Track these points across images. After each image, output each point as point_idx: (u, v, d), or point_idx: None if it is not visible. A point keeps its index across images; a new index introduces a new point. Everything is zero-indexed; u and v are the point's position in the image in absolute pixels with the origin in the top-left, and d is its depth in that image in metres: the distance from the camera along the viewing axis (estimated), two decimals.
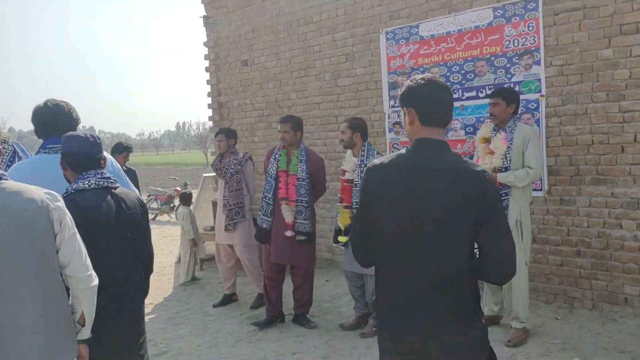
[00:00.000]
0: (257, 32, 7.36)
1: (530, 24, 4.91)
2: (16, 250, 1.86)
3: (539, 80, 4.89)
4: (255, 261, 5.58)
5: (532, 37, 4.91)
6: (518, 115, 4.45)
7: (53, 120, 2.81)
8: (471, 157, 5.19)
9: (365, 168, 4.51)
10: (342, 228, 4.58)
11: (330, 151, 6.67)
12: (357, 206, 4.34)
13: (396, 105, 5.93)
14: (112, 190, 2.48)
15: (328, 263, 6.87)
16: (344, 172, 4.63)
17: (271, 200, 4.90)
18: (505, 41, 5.08)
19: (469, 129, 5.40)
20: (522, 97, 4.94)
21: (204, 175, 8.26)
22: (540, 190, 4.95)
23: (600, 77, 4.56)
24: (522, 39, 4.98)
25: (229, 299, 5.72)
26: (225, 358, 4.37)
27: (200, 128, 78.90)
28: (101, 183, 2.45)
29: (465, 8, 5.32)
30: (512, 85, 5.03)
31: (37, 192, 1.98)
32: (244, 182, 5.49)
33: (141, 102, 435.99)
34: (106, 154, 2.70)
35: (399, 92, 2.00)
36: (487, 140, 4.39)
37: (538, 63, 4.90)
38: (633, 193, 4.46)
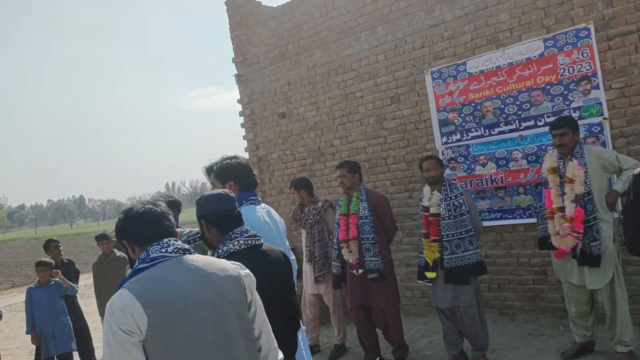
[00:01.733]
0: (293, 85, 7.49)
1: (584, 51, 5.03)
2: (231, 320, 1.85)
3: (600, 104, 4.97)
4: (339, 310, 5.51)
5: (588, 64, 5.02)
6: (582, 139, 4.49)
7: None
8: (536, 186, 5.22)
9: (452, 200, 4.52)
10: (431, 263, 4.54)
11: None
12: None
13: (449, 141, 5.98)
14: (260, 248, 2.44)
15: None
16: (426, 208, 4.63)
17: (337, 245, 4.91)
18: (560, 69, 5.19)
19: (531, 158, 5.43)
20: (584, 121, 5.03)
21: None
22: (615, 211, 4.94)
23: None
24: (577, 66, 5.09)
25: (313, 350, 5.58)
26: None
27: (194, 186, 78.94)
28: (250, 242, 2.41)
29: (514, 42, 5.45)
30: (571, 111, 5.11)
31: (225, 262, 1.96)
32: (326, 230, 5.45)
33: (130, 165, 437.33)
34: None
35: None
36: (556, 170, 4.40)
37: (597, 87, 4.99)
38: None
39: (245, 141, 8.23)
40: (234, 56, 8.20)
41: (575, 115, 5.05)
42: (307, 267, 5.51)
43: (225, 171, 3.17)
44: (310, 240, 5.40)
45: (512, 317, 5.72)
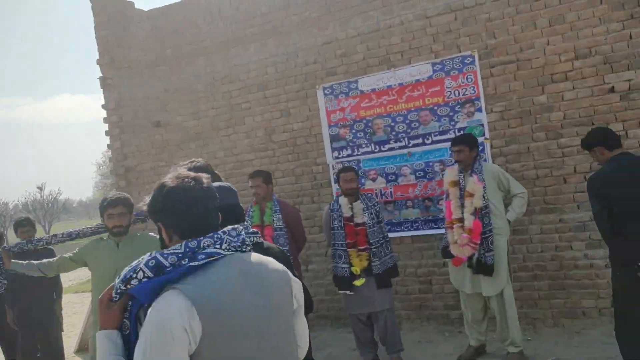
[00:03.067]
0: (171, 92, 7.08)
1: (469, 76, 5.50)
2: (282, 333, 1.66)
3: (482, 125, 5.46)
4: None
5: (472, 88, 5.49)
6: (479, 156, 4.90)
7: None
8: (430, 199, 5.55)
9: (372, 209, 4.61)
10: (359, 271, 4.58)
11: None
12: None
13: (340, 156, 6.11)
14: (262, 246, 2.23)
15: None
16: (349, 218, 4.66)
17: None
18: (447, 92, 5.60)
19: (419, 174, 5.75)
20: None
21: None
22: None
23: (538, 120, 5.25)
24: (462, 89, 5.54)
25: None
26: None
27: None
28: (254, 239, 2.20)
29: (404, 64, 5.77)
30: (456, 131, 5.53)
31: (276, 263, 1.75)
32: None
33: None
34: None
35: None
36: (456, 184, 4.74)
37: (480, 110, 5.48)
38: (579, 217, 5.13)
39: (111, 150, 7.56)
40: (99, 57, 7.52)
41: (459, 134, 5.48)
42: None
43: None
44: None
45: (399, 326, 5.95)
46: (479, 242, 4.51)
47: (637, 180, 3.58)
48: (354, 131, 6.04)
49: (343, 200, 4.76)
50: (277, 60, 6.41)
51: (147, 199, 1.71)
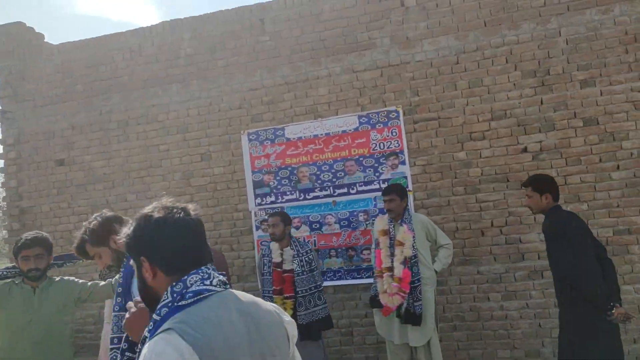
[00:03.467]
0: (78, 129, 6.62)
1: (394, 130, 5.68)
2: None
3: (406, 177, 5.61)
4: None
5: (396, 141, 5.67)
6: (407, 207, 5.00)
7: None
8: (353, 249, 5.55)
9: (303, 256, 4.48)
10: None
11: None
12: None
13: (263, 202, 5.97)
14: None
15: None
16: (277, 264, 4.48)
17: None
18: (372, 144, 5.73)
19: (343, 223, 5.75)
20: None
21: None
22: None
23: (457, 175, 5.50)
24: (387, 142, 5.70)
25: None
26: None
27: None
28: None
29: (331, 115, 5.86)
30: (380, 182, 5.65)
31: (266, 303, 1.60)
32: None
33: None
34: None
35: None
36: (386, 233, 4.80)
37: (403, 163, 5.65)
38: (495, 269, 5.35)
39: (4, 189, 6.85)
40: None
41: (383, 185, 5.59)
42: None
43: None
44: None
45: None
46: (408, 291, 4.54)
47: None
48: (278, 178, 5.96)
49: (274, 245, 4.63)
50: (200, 103, 6.24)
51: (126, 231, 1.52)
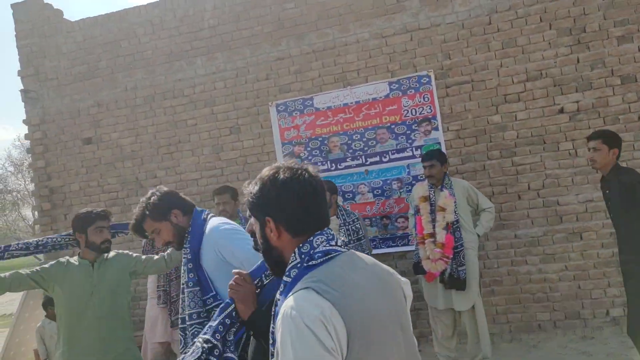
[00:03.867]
0: (104, 107, 6.58)
1: (426, 96, 5.59)
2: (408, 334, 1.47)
3: (439, 143, 5.54)
4: None
5: (429, 107, 5.58)
6: (447, 172, 4.94)
7: None
8: (388, 217, 5.52)
9: (350, 225, 4.48)
10: None
11: None
12: None
13: None
14: None
15: None
16: None
17: None
18: (404, 110, 5.65)
19: (377, 191, 5.71)
20: None
21: None
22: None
23: (492, 139, 5.42)
24: (419, 108, 5.61)
25: None
26: None
27: None
28: None
29: (360, 82, 5.76)
30: (413, 149, 5.58)
31: (383, 264, 1.58)
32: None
33: None
34: None
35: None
36: (426, 199, 4.75)
37: (436, 129, 5.57)
38: (533, 233, 5.31)
39: (32, 170, 6.85)
40: (20, 68, 6.86)
41: (416, 153, 5.53)
42: (157, 312, 4.74)
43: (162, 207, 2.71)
44: (165, 278, 4.68)
45: None
46: (451, 256, 4.52)
47: None
48: (309, 149, 5.91)
49: None
50: (226, 75, 6.16)
51: (251, 190, 1.50)
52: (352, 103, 5.78)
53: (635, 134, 5.10)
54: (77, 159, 6.68)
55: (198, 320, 2.48)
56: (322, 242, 1.41)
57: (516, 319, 5.37)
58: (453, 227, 4.56)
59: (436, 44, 5.55)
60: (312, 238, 1.42)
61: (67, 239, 3.44)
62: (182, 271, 2.65)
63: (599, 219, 5.14)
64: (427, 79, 5.58)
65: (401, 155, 5.63)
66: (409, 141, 5.63)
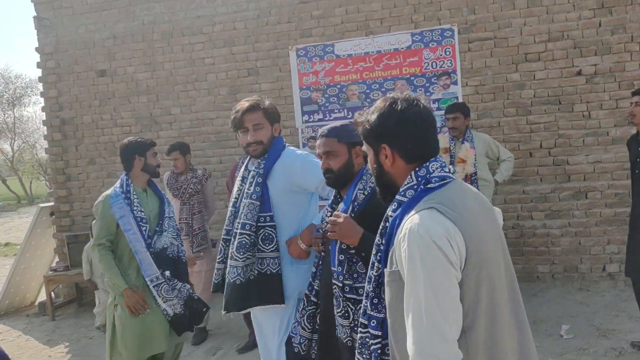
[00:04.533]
0: (120, 39, 6.51)
1: (447, 49, 5.66)
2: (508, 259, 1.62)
3: (457, 98, 5.65)
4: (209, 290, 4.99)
5: (449, 61, 5.66)
6: (469, 126, 5.06)
7: None
8: None
9: None
10: None
11: (229, 168, 6.27)
12: None
13: (310, 120, 6.02)
14: None
15: None
16: None
17: None
18: (424, 63, 5.72)
19: None
20: (441, 112, 5.63)
21: (41, 205, 6.79)
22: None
23: (510, 96, 5.55)
24: (439, 62, 5.69)
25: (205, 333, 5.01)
26: None
27: None
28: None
29: (383, 32, 5.80)
30: (431, 102, 5.68)
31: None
32: (204, 202, 4.88)
33: None
34: None
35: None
36: (447, 150, 4.90)
37: (455, 83, 5.67)
38: (541, 189, 5.52)
39: (43, 99, 6.80)
40: None
41: (434, 106, 5.64)
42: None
43: (274, 113, 2.87)
44: (188, 211, 4.81)
45: None
46: None
47: None
48: (326, 95, 5.97)
49: None
50: (247, 15, 6.13)
51: (367, 118, 1.59)
52: (373, 52, 5.82)
53: None
54: (90, 90, 6.65)
55: (248, 232, 2.61)
56: (437, 168, 1.53)
57: (517, 269, 5.54)
58: (471, 179, 4.73)
59: None
60: (427, 164, 1.53)
61: None
62: (238, 184, 2.81)
63: (605, 179, 5.37)
64: (450, 33, 5.63)
65: None
66: (427, 94, 5.73)
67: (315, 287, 2.34)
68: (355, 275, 2.01)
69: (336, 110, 5.95)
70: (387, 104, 1.58)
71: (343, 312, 2.03)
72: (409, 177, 1.53)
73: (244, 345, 4.68)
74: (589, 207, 5.43)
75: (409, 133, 1.55)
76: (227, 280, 2.68)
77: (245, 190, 2.71)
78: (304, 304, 2.38)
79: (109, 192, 3.36)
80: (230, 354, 4.64)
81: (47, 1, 6.66)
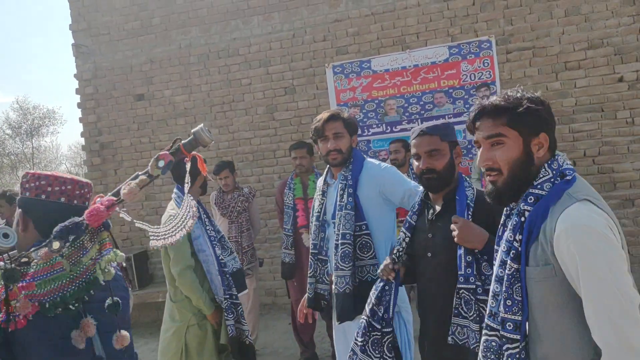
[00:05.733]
0: (157, 64, 6.61)
1: (486, 61, 5.65)
2: None
3: None
4: (257, 308, 4.98)
5: (488, 72, 5.66)
6: None
7: None
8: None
9: None
10: None
11: (267, 187, 6.31)
12: None
13: None
14: None
15: (269, 307, 6.36)
16: None
17: (291, 231, 4.53)
18: (462, 75, 5.72)
19: None
20: None
21: None
22: None
23: (551, 105, 5.48)
24: (478, 73, 5.68)
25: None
26: None
27: None
28: None
29: (419, 46, 5.82)
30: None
31: None
32: (250, 220, 4.90)
33: None
34: None
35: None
36: None
37: (495, 94, 5.63)
38: None
39: (82, 124, 6.91)
40: (71, 23, 6.87)
41: None
42: None
43: (353, 124, 2.89)
44: (237, 229, 4.81)
45: None
46: None
47: None
48: (364, 111, 5.99)
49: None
50: (282, 36, 6.20)
51: (526, 103, 1.53)
52: (410, 66, 5.84)
53: None
54: (128, 114, 6.74)
55: (348, 241, 2.61)
56: (564, 160, 1.53)
57: None
58: None
59: (499, 9, 5.60)
60: (557, 156, 1.53)
61: None
62: (319, 199, 2.85)
63: None
64: (488, 44, 5.64)
65: (458, 119, 5.70)
66: (467, 106, 5.71)
67: (379, 313, 2.24)
68: (483, 277, 1.95)
69: (375, 126, 5.95)
70: (536, 97, 1.55)
71: (475, 315, 1.94)
72: (544, 169, 1.50)
73: None
74: (637, 215, 5.33)
75: (553, 124, 1.56)
76: (335, 292, 2.67)
77: (338, 202, 2.72)
78: (365, 329, 2.26)
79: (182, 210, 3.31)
80: None
81: (85, 28, 6.80)
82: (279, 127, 6.26)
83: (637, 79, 5.29)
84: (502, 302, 1.48)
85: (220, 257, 3.18)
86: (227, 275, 3.19)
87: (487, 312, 1.56)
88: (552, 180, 1.48)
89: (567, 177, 1.47)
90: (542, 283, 1.41)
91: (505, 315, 1.46)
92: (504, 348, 1.45)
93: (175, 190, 3.27)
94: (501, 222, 1.62)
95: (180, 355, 3.13)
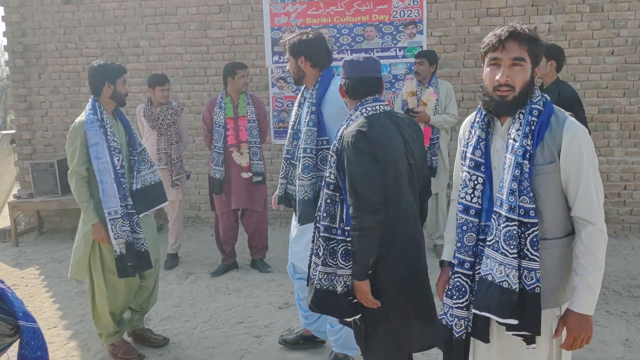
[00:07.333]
0: None
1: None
2: None
3: (421, 47, 5.96)
4: (181, 218, 5.25)
5: (417, 11, 5.94)
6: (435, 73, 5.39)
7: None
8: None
9: None
10: None
11: (197, 104, 6.42)
12: None
13: (280, 60, 6.19)
14: (393, 113, 2.43)
15: (192, 220, 6.63)
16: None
17: (221, 149, 4.76)
18: (393, 11, 5.98)
19: None
20: (406, 60, 5.97)
21: (1, 132, 6.71)
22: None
23: (470, 48, 5.91)
24: (407, 10, 5.96)
25: (176, 259, 5.27)
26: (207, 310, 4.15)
27: None
28: (383, 108, 2.39)
29: None
30: (397, 50, 5.98)
31: None
32: (179, 134, 5.05)
33: None
34: None
35: None
36: (414, 94, 5.24)
37: (421, 33, 5.97)
38: None
39: (4, 23, 6.61)
40: None
41: (400, 53, 5.95)
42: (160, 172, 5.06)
43: (295, 47, 3.04)
44: (166, 142, 4.96)
45: None
46: (427, 146, 5.08)
47: None
48: None
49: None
50: None
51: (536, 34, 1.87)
52: None
53: (593, 59, 5.75)
54: (54, 17, 6.52)
55: (309, 155, 2.90)
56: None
57: None
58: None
59: None
60: None
61: None
62: (295, 109, 3.12)
63: None
64: None
65: (385, 54, 6.01)
66: (394, 41, 6.01)
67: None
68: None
69: None
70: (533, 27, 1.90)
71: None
72: (537, 91, 1.88)
73: (216, 270, 4.97)
74: None
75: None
76: (297, 198, 2.95)
77: (303, 119, 2.98)
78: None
79: (82, 117, 3.25)
80: (202, 278, 4.91)
81: None
82: (212, 45, 6.31)
83: (548, 30, 5.77)
84: (521, 196, 1.79)
85: (117, 167, 3.20)
86: (124, 186, 3.24)
87: (507, 207, 1.81)
88: (542, 99, 1.87)
89: (547, 97, 1.89)
90: (548, 176, 1.81)
91: (528, 205, 1.79)
92: (529, 232, 1.79)
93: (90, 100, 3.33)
94: (465, 144, 2.01)
95: (90, 256, 3.31)
